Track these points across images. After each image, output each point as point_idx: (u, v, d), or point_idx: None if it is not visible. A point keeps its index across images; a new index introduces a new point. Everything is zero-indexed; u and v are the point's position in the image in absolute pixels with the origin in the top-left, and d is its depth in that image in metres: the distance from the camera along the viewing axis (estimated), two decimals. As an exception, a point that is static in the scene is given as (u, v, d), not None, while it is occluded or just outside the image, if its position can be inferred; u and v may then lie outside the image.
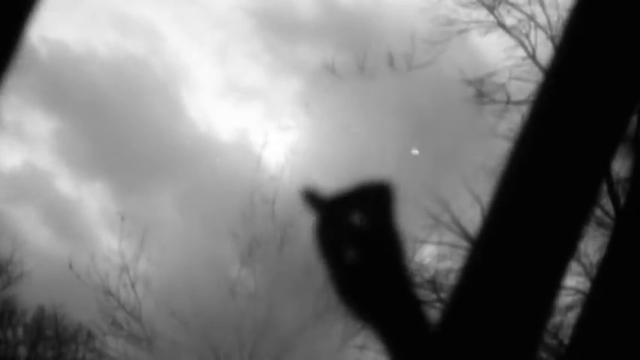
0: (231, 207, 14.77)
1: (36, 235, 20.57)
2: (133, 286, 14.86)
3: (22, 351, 19.38)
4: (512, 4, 14.42)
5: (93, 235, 21.79)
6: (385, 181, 1.26)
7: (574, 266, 11.63)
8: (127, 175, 19.51)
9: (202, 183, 17.44)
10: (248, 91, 21.05)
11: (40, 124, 21.82)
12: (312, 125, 14.86)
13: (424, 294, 12.66)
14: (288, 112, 19.84)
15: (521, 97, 13.62)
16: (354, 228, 1.23)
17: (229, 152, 19.47)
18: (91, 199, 22.43)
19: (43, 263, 17.91)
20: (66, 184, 23.46)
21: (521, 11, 14.41)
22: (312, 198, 1.26)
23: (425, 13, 14.26)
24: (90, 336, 17.53)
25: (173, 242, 15.50)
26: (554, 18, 13.82)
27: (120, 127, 19.40)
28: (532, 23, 14.35)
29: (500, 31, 14.52)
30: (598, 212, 11.69)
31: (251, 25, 21.23)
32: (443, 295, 12.55)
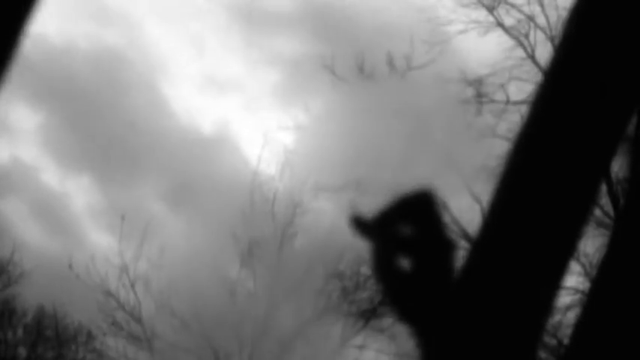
0: (230, 205, 14.78)
1: (24, 229, 20.61)
2: (132, 286, 14.87)
3: (22, 351, 19.37)
4: (512, 5, 14.44)
5: (80, 228, 21.87)
6: (427, 189, 1.27)
7: (573, 266, 11.63)
8: (114, 168, 19.57)
9: (190, 177, 17.48)
10: (226, 82, 21.14)
11: (25, 118, 21.86)
12: (310, 125, 14.87)
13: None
14: (266, 103, 19.96)
15: (520, 97, 13.64)
16: (405, 239, 1.24)
17: (211, 144, 19.57)
18: (77, 193, 22.50)
19: (42, 263, 17.92)
20: (52, 178, 23.57)
21: (520, 11, 14.42)
22: (359, 224, 1.27)
23: (423, 13, 14.27)
24: (90, 336, 17.51)
25: (167, 239, 15.50)
26: (553, 18, 13.84)
27: (104, 120, 19.46)
28: (531, 23, 14.36)
29: (500, 31, 14.54)
30: (597, 212, 11.69)
31: (227, 17, 21.31)
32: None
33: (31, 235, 21.08)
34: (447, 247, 1.25)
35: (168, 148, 18.88)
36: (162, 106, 21.16)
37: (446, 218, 1.27)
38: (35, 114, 23.93)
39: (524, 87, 13.68)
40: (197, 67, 22.83)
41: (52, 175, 24.72)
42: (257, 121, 22.51)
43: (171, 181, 18.43)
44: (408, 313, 1.23)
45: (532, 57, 14.27)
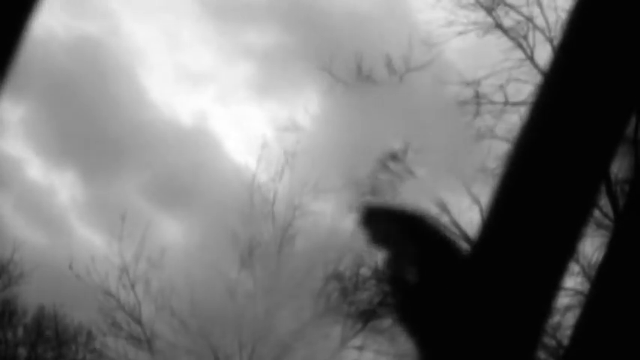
0: (229, 205, 14.77)
1: (10, 223, 20.58)
2: (132, 286, 14.86)
3: (22, 351, 19.35)
4: (511, 6, 14.41)
5: (65, 221, 21.88)
6: (418, 213, 1.29)
7: (573, 267, 11.62)
8: (97, 160, 19.59)
9: (174, 171, 17.48)
10: (203, 74, 21.18)
11: (6, 110, 21.83)
12: (310, 126, 14.87)
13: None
14: (242, 95, 20.03)
15: (519, 98, 13.60)
16: (411, 255, 1.25)
17: (191, 136, 19.64)
18: (61, 186, 22.50)
19: (42, 263, 17.91)
20: (36, 171, 23.61)
21: (519, 13, 14.40)
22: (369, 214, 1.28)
23: (422, 14, 14.27)
24: (90, 336, 17.50)
25: (165, 239, 15.49)
26: (552, 20, 13.82)
27: (85, 111, 19.50)
28: (530, 25, 14.34)
29: (499, 32, 14.51)
30: (597, 213, 11.68)
31: (200, 9, 21.34)
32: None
33: (18, 228, 21.07)
34: (448, 264, 1.26)
35: (150, 140, 18.95)
36: (142, 96, 21.27)
37: (448, 235, 1.28)
38: (16, 106, 23.90)
39: (523, 88, 13.66)
40: (173, 58, 22.94)
41: (35, 168, 24.76)
42: (233, 112, 22.71)
43: (155, 174, 18.50)
44: (409, 322, 1.24)
45: (531, 58, 14.25)
